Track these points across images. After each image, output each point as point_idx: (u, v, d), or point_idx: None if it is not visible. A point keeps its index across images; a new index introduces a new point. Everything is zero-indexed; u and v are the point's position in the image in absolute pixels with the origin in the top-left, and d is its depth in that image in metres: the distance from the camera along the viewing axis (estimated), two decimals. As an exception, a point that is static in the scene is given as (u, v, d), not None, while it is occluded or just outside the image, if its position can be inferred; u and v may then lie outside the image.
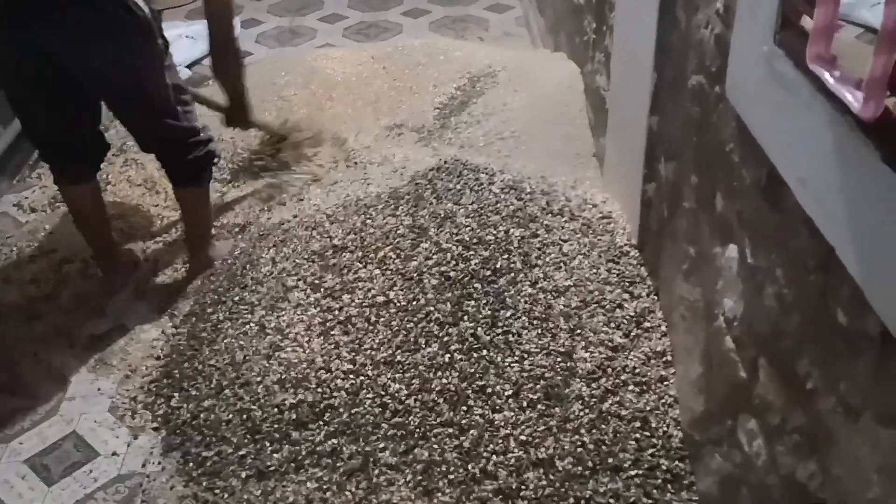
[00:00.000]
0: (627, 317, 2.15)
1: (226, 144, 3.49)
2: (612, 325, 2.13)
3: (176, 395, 2.32)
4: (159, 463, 2.21)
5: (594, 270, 2.24)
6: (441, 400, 2.02)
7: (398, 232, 2.34)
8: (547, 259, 2.25)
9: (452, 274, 2.18)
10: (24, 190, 3.48)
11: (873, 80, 1.03)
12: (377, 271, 2.29)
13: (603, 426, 1.97)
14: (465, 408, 2.00)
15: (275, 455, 2.04)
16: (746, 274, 1.58)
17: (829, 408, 1.26)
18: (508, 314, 2.13)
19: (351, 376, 2.10)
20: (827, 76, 1.17)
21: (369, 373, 2.09)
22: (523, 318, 2.11)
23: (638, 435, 1.97)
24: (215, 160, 2.70)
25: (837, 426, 1.24)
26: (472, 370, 2.04)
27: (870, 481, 1.15)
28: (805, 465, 1.36)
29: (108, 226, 2.90)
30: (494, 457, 1.94)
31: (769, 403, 1.49)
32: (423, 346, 2.11)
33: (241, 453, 2.07)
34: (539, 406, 1.99)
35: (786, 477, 1.43)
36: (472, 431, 1.97)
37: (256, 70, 4.03)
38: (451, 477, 1.93)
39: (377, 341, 2.14)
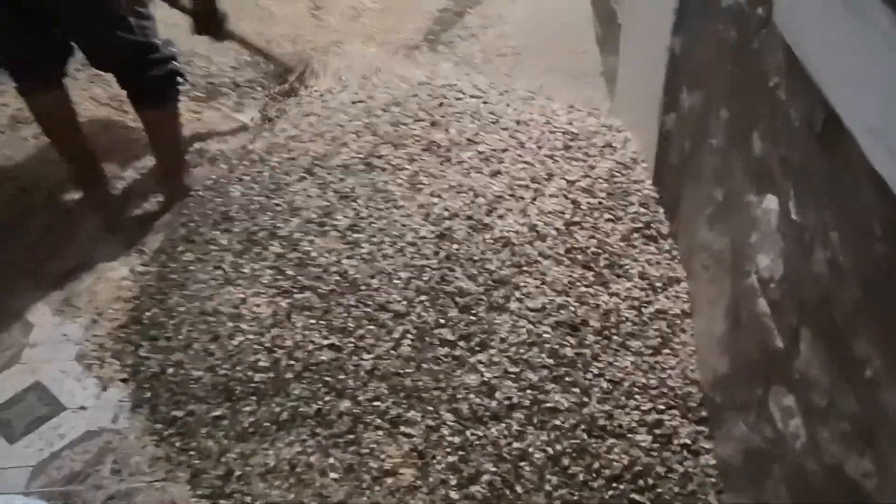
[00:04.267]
0: (642, 261, 1.94)
1: (201, 59, 3.21)
2: (624, 270, 1.92)
3: (145, 343, 2.12)
4: (129, 418, 2.03)
5: (607, 209, 2.02)
6: (437, 360, 1.83)
7: (371, 172, 2.09)
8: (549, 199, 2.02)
9: (447, 222, 1.95)
10: (-18, 109, 3.20)
11: None
12: (351, 213, 2.04)
13: (614, 386, 1.79)
14: (463, 368, 1.81)
15: (252, 417, 1.86)
16: (789, 231, 1.36)
17: (896, 404, 1.07)
18: (506, 269, 1.91)
19: (333, 335, 1.89)
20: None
21: (353, 329, 1.88)
22: (525, 270, 1.90)
23: (653, 394, 1.79)
24: (180, 79, 2.44)
25: (907, 428, 1.05)
26: (471, 330, 1.84)
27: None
28: (857, 461, 1.18)
29: (82, 135, 2.63)
30: (496, 421, 1.76)
31: (812, 381, 1.30)
32: (413, 301, 1.89)
33: (214, 414, 1.89)
34: (543, 368, 1.80)
35: (831, 467, 1.25)
36: (470, 394, 1.79)
37: (234, -25, 3.71)
38: (447, 442, 1.76)
39: (358, 296, 1.92)
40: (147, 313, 2.19)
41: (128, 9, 2.20)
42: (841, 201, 1.19)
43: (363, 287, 1.90)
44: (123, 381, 2.13)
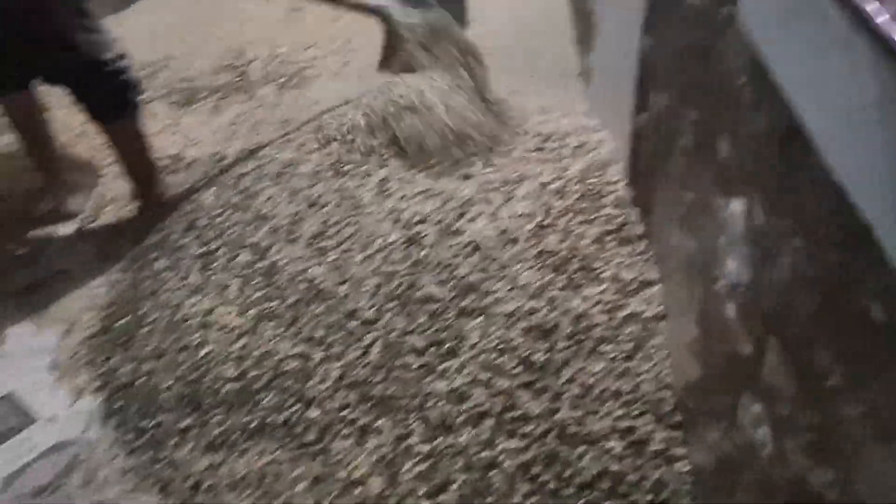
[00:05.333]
0: (615, 264, 1.91)
1: (179, 63, 3.18)
2: (596, 273, 1.90)
3: (116, 353, 2.10)
4: (100, 429, 2.01)
5: (579, 211, 1.99)
6: (407, 368, 1.80)
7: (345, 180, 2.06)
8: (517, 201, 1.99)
9: (417, 227, 1.92)
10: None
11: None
12: (319, 220, 2.01)
13: (586, 391, 1.77)
14: (433, 376, 1.79)
15: (220, 427, 1.83)
16: (755, 237, 1.34)
17: (856, 416, 1.05)
18: (476, 274, 1.87)
19: (302, 344, 1.86)
20: (874, 9, 0.90)
21: (321, 337, 1.85)
22: (495, 275, 1.87)
23: (626, 399, 1.76)
24: (135, 88, 2.38)
25: (867, 441, 1.03)
26: (441, 336, 1.81)
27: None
28: (821, 471, 1.16)
29: (53, 140, 2.62)
30: (466, 429, 1.74)
31: (778, 391, 1.28)
32: (383, 308, 1.86)
33: (183, 425, 1.86)
34: (514, 375, 1.77)
35: (796, 477, 1.23)
36: (440, 402, 1.76)
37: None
38: (416, 451, 1.73)
39: (326, 304, 1.88)
40: (119, 322, 2.17)
41: (74, 26, 2.16)
42: (803, 208, 1.16)
43: (331, 295, 1.87)
44: (96, 390, 2.11)
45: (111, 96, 2.33)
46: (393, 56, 2.49)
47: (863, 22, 0.92)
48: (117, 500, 1.87)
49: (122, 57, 2.32)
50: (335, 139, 2.15)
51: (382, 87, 2.28)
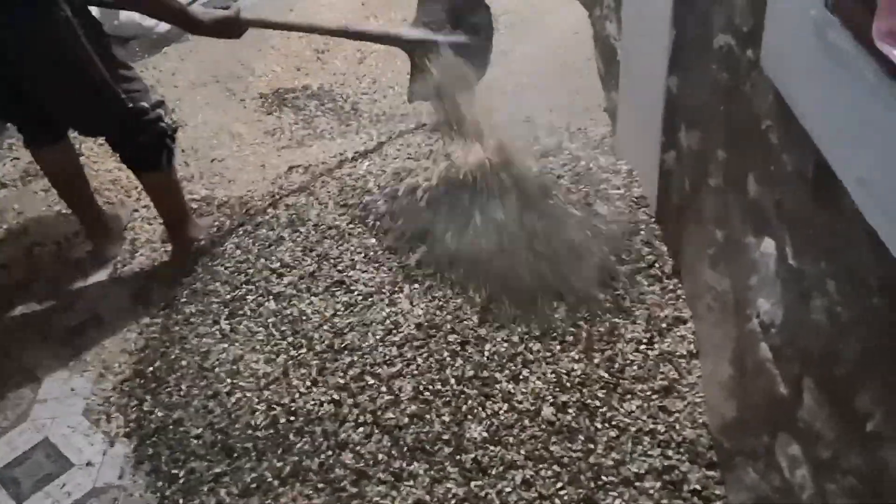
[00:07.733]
0: (647, 302, 1.91)
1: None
2: (628, 312, 1.89)
3: (148, 398, 2.11)
4: (133, 475, 2.02)
5: (611, 249, 2.00)
6: (440, 413, 1.80)
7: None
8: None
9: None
10: (-7, 163, 3.23)
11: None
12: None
13: (620, 432, 1.76)
14: (467, 420, 1.79)
15: (253, 472, 1.84)
16: (788, 276, 1.33)
17: (899, 461, 1.03)
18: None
19: (332, 391, 1.88)
20: (900, 56, 0.90)
21: (350, 384, 1.87)
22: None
23: (661, 439, 1.75)
24: (170, 138, 2.39)
25: (910, 485, 1.01)
26: (474, 382, 1.81)
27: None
28: (864, 517, 1.14)
29: (88, 188, 2.65)
30: (500, 473, 1.73)
31: (817, 432, 1.27)
32: (412, 356, 1.88)
33: (215, 471, 1.87)
34: (548, 417, 1.77)
35: (838, 522, 1.21)
36: (474, 446, 1.76)
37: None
38: (452, 493, 1.73)
39: (354, 353, 1.91)
40: (150, 367, 2.19)
41: (114, 75, 2.16)
42: (836, 250, 1.16)
43: (358, 343, 1.89)
44: (127, 436, 2.12)
45: (148, 146, 2.33)
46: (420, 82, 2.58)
47: (890, 67, 0.92)
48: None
49: (158, 105, 2.34)
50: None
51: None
